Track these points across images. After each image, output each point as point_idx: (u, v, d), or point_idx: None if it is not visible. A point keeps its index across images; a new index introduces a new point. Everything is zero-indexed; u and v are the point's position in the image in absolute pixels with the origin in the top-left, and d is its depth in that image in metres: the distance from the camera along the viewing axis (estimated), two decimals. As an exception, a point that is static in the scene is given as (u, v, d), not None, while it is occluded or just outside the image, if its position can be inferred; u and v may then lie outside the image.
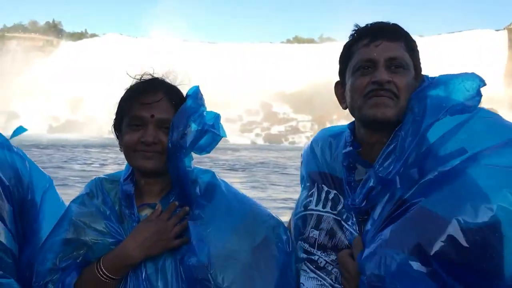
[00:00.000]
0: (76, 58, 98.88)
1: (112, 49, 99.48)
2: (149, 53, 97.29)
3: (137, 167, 1.47)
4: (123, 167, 1.58)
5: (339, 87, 1.48)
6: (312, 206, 1.49)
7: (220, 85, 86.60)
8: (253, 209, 1.52)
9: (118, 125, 1.50)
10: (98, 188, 1.52)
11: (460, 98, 1.22)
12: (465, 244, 1.07)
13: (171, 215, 1.43)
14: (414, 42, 1.40)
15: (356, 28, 1.42)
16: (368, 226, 1.30)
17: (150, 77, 1.51)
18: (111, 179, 1.56)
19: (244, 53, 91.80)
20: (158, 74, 1.52)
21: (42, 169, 1.73)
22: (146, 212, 1.47)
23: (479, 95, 1.23)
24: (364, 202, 1.31)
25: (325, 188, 1.47)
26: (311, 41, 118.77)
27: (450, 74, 1.28)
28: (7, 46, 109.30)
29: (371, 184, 1.29)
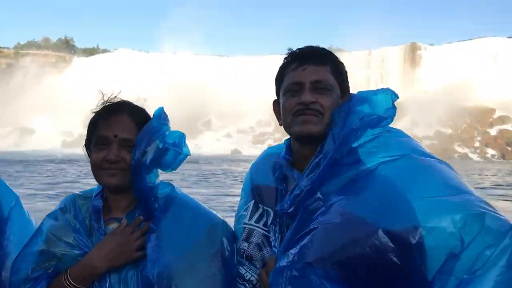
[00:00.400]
0: (89, 74, 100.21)
1: (124, 64, 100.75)
2: (160, 67, 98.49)
3: (103, 184, 1.56)
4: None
5: (275, 106, 1.61)
6: (246, 220, 1.60)
7: (232, 98, 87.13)
8: (209, 221, 1.60)
9: (88, 146, 1.60)
10: (71, 203, 1.63)
11: (380, 111, 1.40)
12: (390, 251, 1.18)
13: (135, 229, 1.52)
14: (341, 64, 1.55)
15: (289, 52, 1.56)
16: (285, 239, 1.41)
17: (118, 99, 1.60)
18: (84, 195, 1.66)
19: (255, 65, 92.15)
20: (126, 97, 1.61)
21: (9, 186, 1.82)
22: (113, 225, 1.56)
23: (394, 107, 1.41)
24: (292, 207, 1.43)
25: (261, 207, 1.58)
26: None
27: (370, 91, 1.45)
28: (21, 63, 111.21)
29: (298, 190, 1.42)
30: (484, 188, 22.26)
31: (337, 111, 1.45)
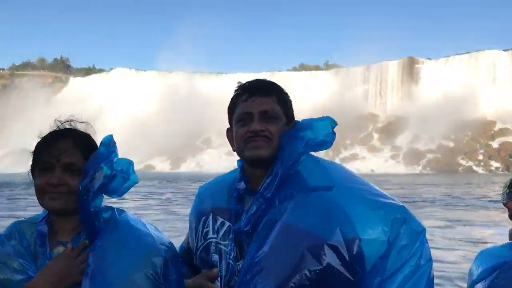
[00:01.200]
0: (86, 93, 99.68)
1: (121, 83, 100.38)
2: (158, 86, 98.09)
3: (46, 208, 1.59)
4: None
5: (229, 133, 1.75)
6: (210, 235, 1.71)
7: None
8: (149, 241, 1.62)
9: (32, 170, 1.61)
10: (16, 230, 1.65)
11: (321, 136, 1.59)
12: (338, 263, 1.35)
13: (81, 252, 1.54)
14: (286, 94, 1.71)
15: (239, 86, 1.72)
16: (247, 259, 1.54)
17: (65, 125, 1.63)
18: (30, 221, 1.68)
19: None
20: (74, 120, 1.63)
21: None
22: (59, 249, 1.58)
23: (333, 133, 1.60)
24: (248, 226, 1.57)
25: (220, 220, 1.70)
26: (317, 68, 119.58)
27: (312, 118, 1.64)
28: (16, 83, 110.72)
29: (253, 208, 1.57)
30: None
31: (283, 136, 1.63)
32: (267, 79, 1.75)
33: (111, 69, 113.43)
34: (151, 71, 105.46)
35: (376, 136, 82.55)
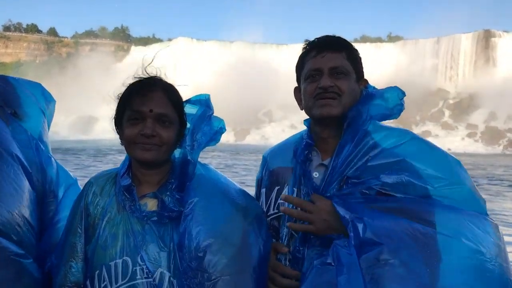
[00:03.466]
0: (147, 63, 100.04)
1: (182, 52, 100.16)
2: (219, 56, 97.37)
3: (137, 159, 1.57)
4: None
5: (297, 92, 1.76)
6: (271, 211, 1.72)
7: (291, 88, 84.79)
8: (242, 198, 1.67)
9: (118, 121, 1.60)
10: (97, 186, 1.67)
11: (391, 105, 1.61)
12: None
13: (170, 215, 1.55)
14: (356, 51, 1.70)
15: (308, 42, 1.71)
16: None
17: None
18: (106, 175, 1.69)
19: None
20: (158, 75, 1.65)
21: (66, 170, 1.96)
22: (146, 201, 1.58)
23: (401, 104, 1.61)
24: (323, 184, 1.59)
25: (276, 188, 1.72)
26: (378, 40, 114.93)
27: (382, 89, 1.64)
28: (79, 52, 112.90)
29: (328, 179, 1.58)
30: None
31: (361, 103, 1.63)
32: (337, 35, 1.69)
33: (169, 39, 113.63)
34: (212, 40, 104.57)
35: (447, 113, 78.28)
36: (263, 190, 1.76)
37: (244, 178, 19.96)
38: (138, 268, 1.48)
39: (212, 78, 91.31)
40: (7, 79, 1.89)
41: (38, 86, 2.00)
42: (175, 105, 1.58)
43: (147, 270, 1.47)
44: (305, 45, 1.70)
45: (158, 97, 1.55)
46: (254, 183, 1.92)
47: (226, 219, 1.56)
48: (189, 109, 1.69)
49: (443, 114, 78.28)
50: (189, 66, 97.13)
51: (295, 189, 1.64)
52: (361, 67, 1.70)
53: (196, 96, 1.70)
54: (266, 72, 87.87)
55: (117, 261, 1.50)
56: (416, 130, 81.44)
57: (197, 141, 1.62)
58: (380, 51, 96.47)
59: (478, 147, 65.88)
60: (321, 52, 1.62)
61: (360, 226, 1.39)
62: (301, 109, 1.70)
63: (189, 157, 1.59)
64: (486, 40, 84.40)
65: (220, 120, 1.70)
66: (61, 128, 77.95)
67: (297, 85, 1.75)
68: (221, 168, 25.78)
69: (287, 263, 1.60)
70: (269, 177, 1.76)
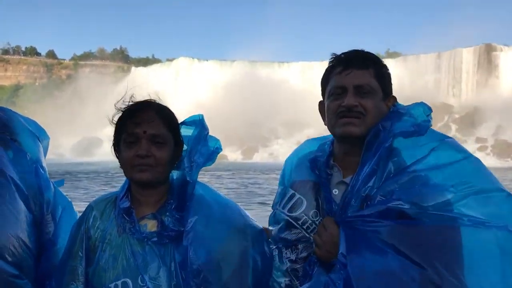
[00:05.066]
0: (148, 83, 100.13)
1: (184, 72, 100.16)
2: (221, 75, 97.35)
3: (134, 180, 1.62)
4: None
5: (321, 106, 1.71)
6: (285, 210, 1.71)
7: (294, 105, 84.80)
8: (241, 216, 1.71)
9: (117, 145, 1.65)
10: (97, 210, 1.70)
11: (417, 121, 1.53)
12: None
13: (169, 235, 1.57)
14: (384, 67, 1.64)
15: (334, 56, 1.66)
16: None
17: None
18: (106, 199, 1.72)
19: (315, 70, 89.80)
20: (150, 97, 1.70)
21: (62, 192, 1.99)
22: (146, 222, 1.61)
23: (429, 120, 1.54)
24: (342, 204, 1.55)
25: (291, 191, 1.71)
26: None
27: (409, 105, 1.60)
28: (79, 73, 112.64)
29: (348, 197, 1.54)
30: None
31: (388, 118, 1.58)
32: (365, 50, 1.64)
33: (167, 59, 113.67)
34: (213, 60, 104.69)
35: (454, 127, 78.24)
36: (289, 194, 1.73)
37: (265, 198, 19.44)
38: None
39: (214, 97, 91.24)
40: (4, 109, 1.93)
41: (34, 122, 2.05)
42: (169, 126, 1.62)
43: None
44: (332, 59, 1.64)
45: (151, 119, 1.59)
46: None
47: (225, 238, 1.60)
48: (185, 131, 1.72)
49: (450, 128, 78.10)
50: (191, 85, 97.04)
51: (314, 204, 1.64)
52: (389, 84, 1.64)
53: (191, 117, 1.72)
54: (268, 90, 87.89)
55: (117, 283, 1.53)
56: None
57: (195, 162, 1.66)
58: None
59: (490, 160, 65.64)
60: (347, 68, 1.57)
61: (344, 272, 1.41)
62: (325, 124, 1.67)
63: (188, 178, 1.63)
64: (487, 53, 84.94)
65: (216, 140, 1.72)
66: (65, 150, 77.25)
67: (321, 99, 1.70)
68: (235, 188, 25.32)
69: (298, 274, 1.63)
70: (291, 185, 1.74)
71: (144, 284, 1.51)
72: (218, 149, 1.72)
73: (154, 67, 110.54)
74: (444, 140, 1.55)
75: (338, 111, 1.57)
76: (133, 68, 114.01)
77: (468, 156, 1.52)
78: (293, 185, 1.71)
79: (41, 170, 1.93)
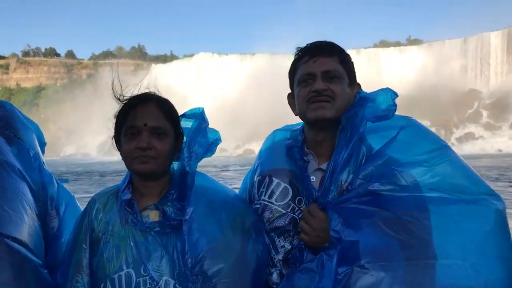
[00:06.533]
0: (168, 79, 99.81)
1: (205, 67, 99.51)
2: (241, 69, 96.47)
3: (135, 172, 1.64)
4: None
5: (290, 98, 1.78)
6: (263, 197, 1.75)
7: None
8: (240, 204, 1.75)
9: (117, 138, 1.68)
10: (99, 203, 1.72)
11: (384, 107, 1.58)
12: None
13: (171, 224, 1.59)
14: (348, 55, 1.71)
15: (299, 49, 1.73)
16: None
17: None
18: (108, 192, 1.75)
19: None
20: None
21: (64, 186, 2.04)
22: (148, 213, 1.63)
23: (395, 104, 1.58)
24: (321, 190, 1.59)
25: (275, 181, 1.73)
26: (398, 44, 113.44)
27: (375, 91, 1.63)
28: (99, 73, 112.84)
29: (327, 183, 1.59)
30: None
31: (356, 104, 1.62)
32: (328, 41, 1.72)
33: (184, 55, 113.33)
34: (233, 54, 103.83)
35: (485, 113, 76.26)
36: (257, 178, 1.78)
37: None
38: (141, 279, 1.53)
39: (236, 92, 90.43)
40: (5, 105, 1.97)
41: (36, 125, 2.10)
42: (169, 118, 1.64)
43: (150, 281, 1.53)
44: (297, 51, 1.71)
45: (151, 111, 1.61)
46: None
47: (225, 226, 1.62)
48: (185, 123, 1.74)
49: (481, 114, 76.29)
50: (212, 81, 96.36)
51: (297, 191, 1.67)
52: (353, 72, 1.70)
53: (191, 109, 1.76)
54: (288, 82, 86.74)
55: (120, 273, 1.55)
56: (458, 133, 79.29)
57: (194, 152, 1.69)
58: (403, 55, 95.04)
59: (528, 147, 63.57)
60: (313, 57, 1.64)
61: (345, 242, 1.46)
62: (295, 115, 1.73)
63: (187, 168, 1.65)
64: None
65: (216, 132, 1.75)
66: (91, 149, 77.33)
67: (290, 92, 1.76)
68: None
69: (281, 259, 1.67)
70: (260, 173, 1.79)
71: (147, 273, 1.53)
72: (218, 141, 1.73)
73: (174, 63, 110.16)
74: (410, 120, 1.62)
75: (308, 96, 1.61)
76: (152, 65, 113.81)
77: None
78: (273, 174, 1.73)
79: (44, 166, 1.96)
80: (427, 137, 1.60)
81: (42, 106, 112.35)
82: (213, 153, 1.73)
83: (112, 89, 1.69)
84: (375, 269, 1.39)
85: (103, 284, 1.57)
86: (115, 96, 1.67)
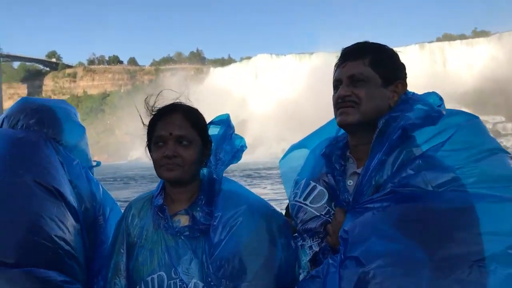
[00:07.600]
0: (228, 83, 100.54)
1: (263, 69, 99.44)
2: (300, 69, 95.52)
3: (163, 179, 1.72)
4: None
5: None
6: (297, 198, 1.75)
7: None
8: (266, 209, 1.77)
9: (149, 147, 1.74)
10: (135, 209, 1.79)
11: (430, 111, 1.53)
12: None
13: (200, 228, 1.64)
14: (384, 54, 1.65)
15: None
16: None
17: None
18: (143, 198, 1.83)
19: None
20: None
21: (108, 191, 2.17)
22: (179, 217, 1.69)
23: (441, 109, 1.54)
24: (354, 194, 1.57)
25: (312, 184, 1.73)
26: (463, 36, 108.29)
27: (421, 94, 1.60)
28: (161, 78, 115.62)
29: (360, 187, 1.56)
30: None
31: (402, 106, 1.58)
32: (368, 41, 1.69)
33: (241, 58, 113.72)
34: (291, 54, 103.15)
35: None
36: (303, 182, 1.76)
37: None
38: (172, 281, 1.60)
39: (295, 93, 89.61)
40: (57, 112, 2.05)
41: (83, 130, 2.19)
42: (196, 126, 1.69)
43: (180, 283, 1.59)
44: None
45: (177, 121, 1.67)
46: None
47: (252, 230, 1.66)
48: (213, 130, 1.79)
49: None
50: (271, 82, 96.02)
51: (333, 196, 1.66)
52: (390, 70, 1.63)
53: (218, 116, 1.81)
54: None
55: (153, 276, 1.63)
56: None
57: (220, 159, 1.74)
58: (471, 48, 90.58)
59: None
60: (343, 62, 1.65)
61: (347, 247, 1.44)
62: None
63: (214, 175, 1.71)
64: None
65: (241, 139, 1.80)
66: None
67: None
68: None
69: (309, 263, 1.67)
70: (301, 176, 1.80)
71: (177, 276, 1.59)
72: (243, 147, 1.78)
73: (232, 66, 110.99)
74: (461, 125, 1.52)
75: (336, 102, 1.63)
76: (211, 69, 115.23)
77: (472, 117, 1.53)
78: (312, 178, 1.74)
79: (90, 174, 2.07)
80: (484, 139, 1.50)
81: (108, 112, 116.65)
82: (239, 159, 1.76)
83: (145, 101, 1.73)
84: (383, 274, 1.33)
85: (138, 287, 1.65)
86: (147, 108, 1.72)
